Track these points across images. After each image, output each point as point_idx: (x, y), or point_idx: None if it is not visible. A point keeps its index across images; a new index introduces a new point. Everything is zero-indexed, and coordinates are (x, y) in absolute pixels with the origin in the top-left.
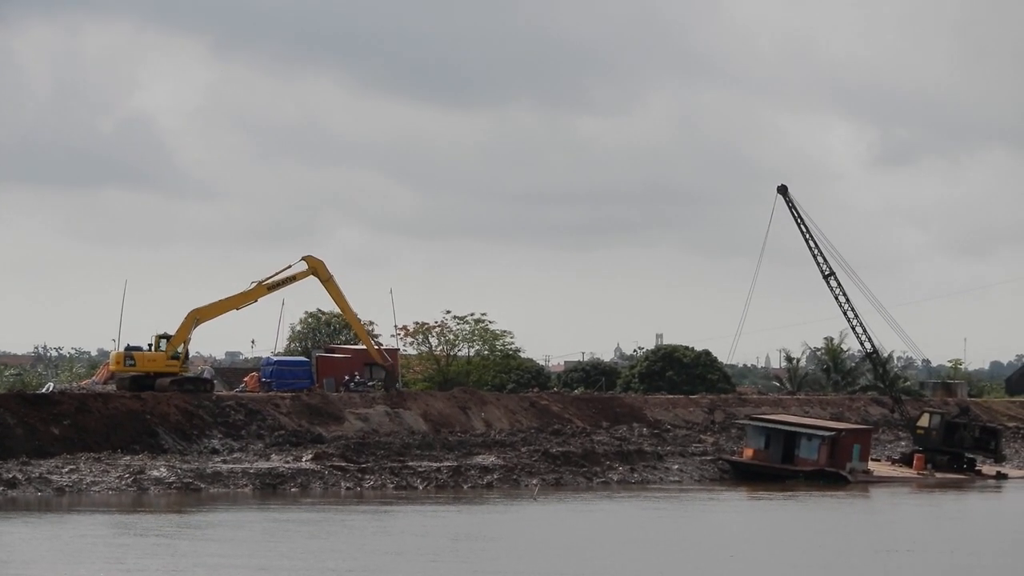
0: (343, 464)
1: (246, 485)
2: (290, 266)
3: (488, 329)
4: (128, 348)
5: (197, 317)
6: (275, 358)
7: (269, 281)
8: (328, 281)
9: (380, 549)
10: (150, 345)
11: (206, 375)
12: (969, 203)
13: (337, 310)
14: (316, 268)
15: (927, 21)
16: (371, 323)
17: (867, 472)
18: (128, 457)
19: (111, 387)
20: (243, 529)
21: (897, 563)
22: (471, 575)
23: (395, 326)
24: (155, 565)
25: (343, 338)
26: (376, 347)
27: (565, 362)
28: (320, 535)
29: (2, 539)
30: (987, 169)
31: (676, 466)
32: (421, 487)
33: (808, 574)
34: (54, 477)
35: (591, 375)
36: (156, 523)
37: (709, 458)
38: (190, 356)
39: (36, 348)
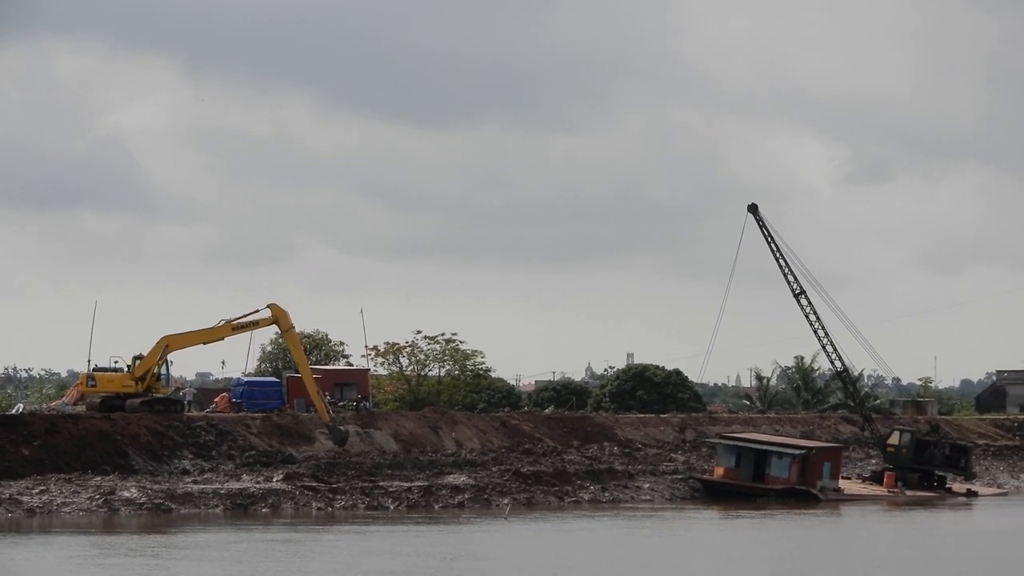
0: (314, 484)
1: (217, 505)
2: (256, 311)
3: (459, 349)
4: (95, 369)
5: (167, 344)
6: (246, 379)
7: (236, 322)
8: (288, 332)
9: (375, 569)
10: (128, 366)
11: (188, 397)
12: (941, 221)
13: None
14: (279, 318)
15: (900, 38)
16: (342, 343)
17: (838, 490)
18: (99, 478)
19: (81, 408)
20: (230, 550)
21: None
22: None
23: (366, 346)
24: None
25: (313, 359)
26: (326, 407)
27: (536, 382)
28: (309, 555)
29: None
30: (960, 186)
31: (647, 485)
32: (392, 507)
33: None
34: (24, 498)
35: (562, 394)
36: (140, 544)
37: (680, 477)
38: (171, 378)
39: (6, 369)
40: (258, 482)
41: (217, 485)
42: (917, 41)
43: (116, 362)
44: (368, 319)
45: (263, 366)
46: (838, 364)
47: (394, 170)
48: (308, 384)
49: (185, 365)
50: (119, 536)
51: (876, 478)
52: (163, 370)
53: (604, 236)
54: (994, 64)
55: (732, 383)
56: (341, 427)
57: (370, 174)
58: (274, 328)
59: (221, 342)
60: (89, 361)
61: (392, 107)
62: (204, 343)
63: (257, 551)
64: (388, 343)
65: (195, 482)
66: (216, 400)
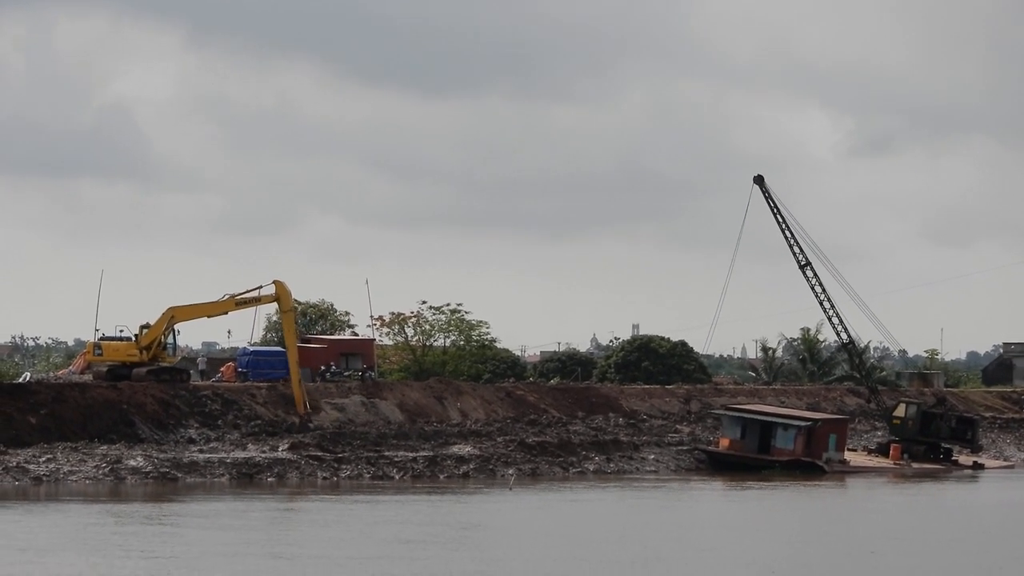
0: (319, 454)
1: (223, 475)
2: (260, 287)
3: (464, 319)
4: (102, 338)
5: (173, 315)
6: (251, 348)
7: (239, 297)
8: (287, 312)
9: (391, 538)
10: (135, 335)
11: (201, 366)
12: (947, 192)
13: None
14: (281, 296)
15: (905, 10)
16: (347, 313)
17: (843, 462)
18: (105, 447)
19: (88, 377)
20: (243, 519)
21: (885, 552)
22: (497, 561)
23: (371, 316)
24: (176, 553)
25: (319, 328)
26: (304, 401)
27: (541, 352)
28: (324, 524)
29: (8, 528)
30: (965, 158)
31: (652, 456)
32: (397, 477)
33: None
34: (31, 466)
35: (567, 365)
36: (155, 512)
37: (685, 448)
38: (178, 348)
39: (13, 338)
40: (264, 451)
41: (223, 454)
42: (923, 13)
43: (122, 331)
44: (373, 289)
45: (269, 336)
46: (844, 336)
47: (398, 140)
48: (293, 370)
49: (192, 335)
50: (132, 504)
51: (882, 450)
52: (170, 339)
53: (609, 207)
54: (1000, 36)
55: (737, 355)
56: (311, 424)
57: (374, 144)
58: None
59: (225, 316)
60: (96, 330)
61: (397, 77)
62: (208, 316)
63: (271, 520)
64: (393, 313)
65: (201, 451)
66: (222, 369)
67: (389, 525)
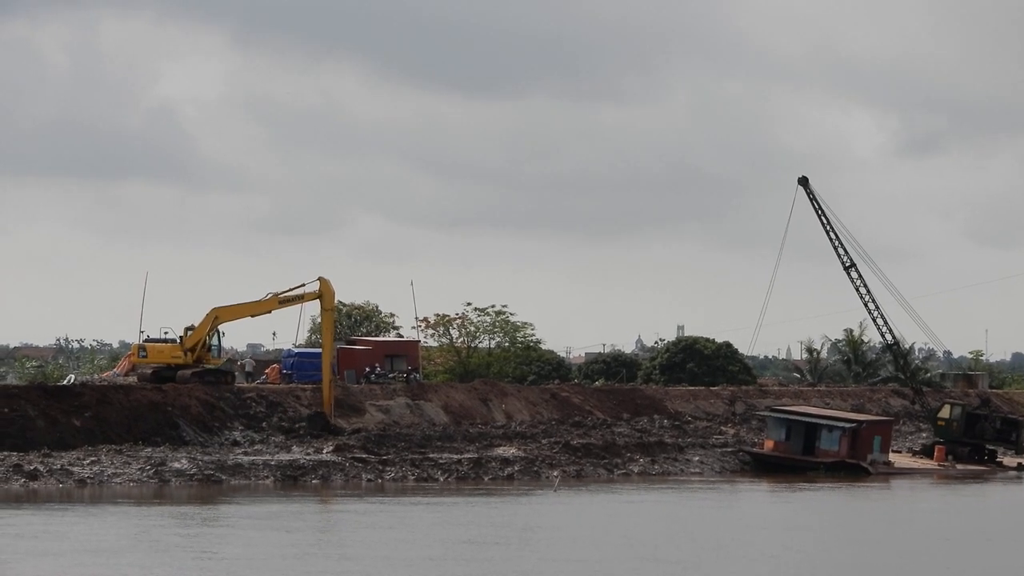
0: (364, 456)
1: (267, 477)
2: (303, 285)
3: (509, 321)
4: (146, 340)
5: (217, 315)
6: (296, 350)
7: (282, 296)
8: (328, 311)
9: (456, 539)
10: (181, 337)
11: (247, 368)
12: (993, 192)
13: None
14: (324, 294)
15: (952, 6)
16: (392, 315)
17: (888, 463)
18: (149, 449)
19: (132, 379)
20: (302, 520)
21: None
22: (564, 561)
23: (416, 318)
24: (246, 555)
25: (364, 330)
26: (331, 402)
27: (586, 354)
28: (387, 526)
29: (72, 530)
30: (1012, 158)
31: (697, 458)
32: (442, 479)
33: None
34: (75, 469)
35: (612, 367)
36: (212, 514)
37: (730, 450)
38: (223, 349)
39: (58, 340)
40: (308, 453)
41: (267, 456)
42: (970, 10)
43: (167, 333)
44: (417, 290)
45: (313, 337)
46: (888, 337)
47: (444, 140)
48: (325, 369)
49: (237, 336)
50: (188, 507)
51: (926, 452)
52: (214, 341)
53: (654, 207)
54: None
55: (782, 356)
56: (333, 425)
57: (420, 144)
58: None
59: (269, 315)
60: (140, 332)
61: (442, 77)
62: (252, 316)
63: (331, 522)
64: (438, 315)
65: (245, 453)
66: (266, 371)
67: (450, 527)
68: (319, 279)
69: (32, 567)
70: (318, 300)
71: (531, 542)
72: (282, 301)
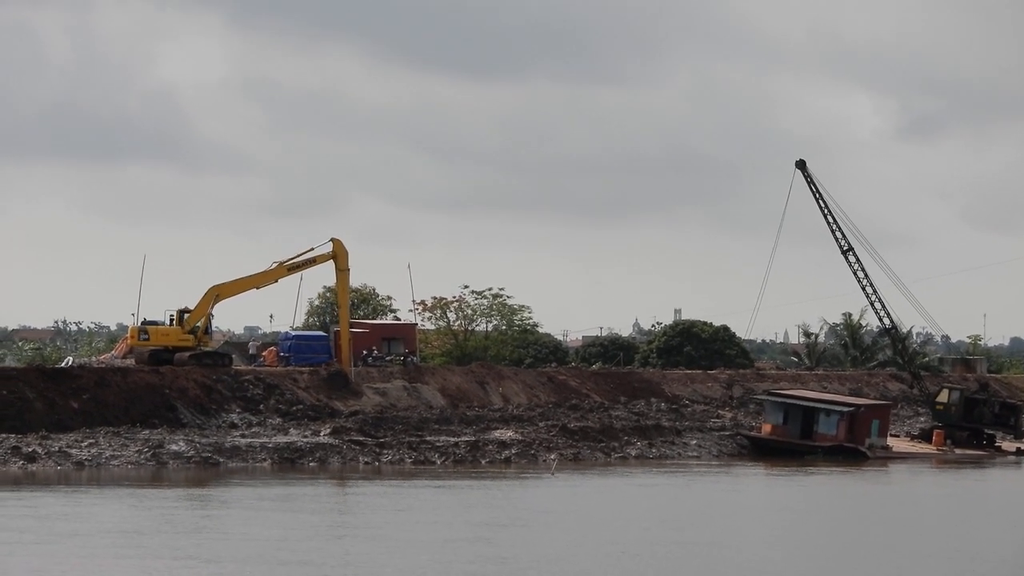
0: (361, 438)
1: (264, 459)
2: (312, 248)
3: (506, 304)
4: (145, 322)
5: (218, 293)
6: (293, 332)
7: (290, 262)
8: (343, 271)
9: (477, 521)
10: (171, 319)
11: (251, 350)
12: (992, 177)
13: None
14: (338, 255)
15: None
16: (389, 298)
17: (886, 448)
18: (147, 431)
19: (130, 361)
20: (318, 502)
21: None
22: (588, 542)
23: (413, 301)
24: (278, 536)
25: (361, 313)
26: (351, 362)
27: (583, 337)
28: (406, 508)
29: (94, 511)
30: (1011, 142)
31: (694, 441)
32: (439, 462)
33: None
34: (73, 451)
35: (609, 350)
36: (230, 496)
37: (727, 433)
38: (212, 330)
39: (56, 322)
40: (305, 436)
41: (265, 439)
42: None
43: (172, 316)
44: (415, 273)
45: (311, 320)
46: (886, 321)
47: (443, 123)
48: (343, 330)
49: (233, 318)
50: (204, 488)
51: (925, 436)
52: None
53: (652, 190)
54: None
55: (780, 339)
56: (353, 382)
57: (419, 126)
58: (322, 282)
59: (274, 284)
60: (132, 315)
61: (441, 59)
62: (257, 287)
63: (347, 504)
64: (435, 298)
65: (243, 436)
66: (264, 354)
67: (467, 509)
68: (332, 239)
69: (64, 548)
70: (331, 262)
71: (555, 524)
72: (291, 268)
